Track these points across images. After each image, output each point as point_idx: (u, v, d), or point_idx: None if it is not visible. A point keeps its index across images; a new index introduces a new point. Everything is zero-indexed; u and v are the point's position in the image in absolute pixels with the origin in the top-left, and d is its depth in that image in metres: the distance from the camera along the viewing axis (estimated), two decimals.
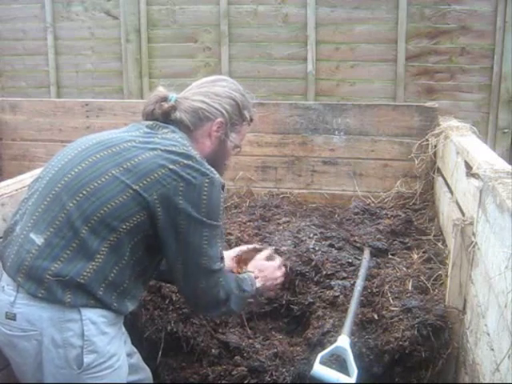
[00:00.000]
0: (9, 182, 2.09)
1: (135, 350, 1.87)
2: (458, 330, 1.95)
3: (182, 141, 1.64)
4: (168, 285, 2.19)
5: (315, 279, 2.32)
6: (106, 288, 1.50)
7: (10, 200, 1.90)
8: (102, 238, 1.49)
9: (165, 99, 1.73)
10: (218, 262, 1.63)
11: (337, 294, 2.21)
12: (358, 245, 2.59)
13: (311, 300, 2.25)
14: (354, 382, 1.76)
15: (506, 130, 4.05)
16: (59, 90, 4.78)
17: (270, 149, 3.40)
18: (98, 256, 1.49)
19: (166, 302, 2.19)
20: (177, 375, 2.13)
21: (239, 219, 2.87)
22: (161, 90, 1.77)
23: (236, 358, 2.09)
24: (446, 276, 2.11)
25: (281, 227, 2.77)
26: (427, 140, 3.10)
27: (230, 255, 2.01)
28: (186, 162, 1.55)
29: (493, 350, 1.47)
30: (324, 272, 2.33)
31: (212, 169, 1.60)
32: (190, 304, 1.83)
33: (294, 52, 4.32)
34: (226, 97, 1.75)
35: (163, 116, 1.70)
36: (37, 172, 1.85)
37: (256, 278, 1.86)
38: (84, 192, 1.51)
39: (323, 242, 2.54)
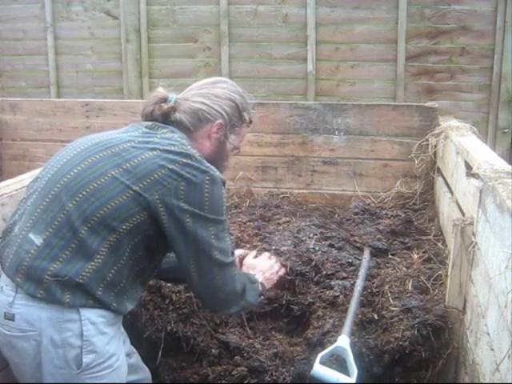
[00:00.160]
0: (9, 181, 2.09)
1: (134, 350, 1.87)
2: (457, 330, 1.95)
3: (181, 140, 1.63)
4: (168, 285, 2.19)
5: (315, 279, 2.32)
6: (104, 288, 1.50)
7: (10, 200, 1.90)
8: (102, 239, 1.49)
9: (164, 100, 1.73)
10: (230, 256, 1.64)
11: (337, 294, 2.22)
12: (358, 245, 2.59)
13: (311, 300, 2.26)
14: (353, 381, 1.76)
15: (506, 130, 4.04)
16: (59, 89, 4.78)
17: (270, 149, 3.40)
18: (98, 256, 1.48)
19: (166, 301, 2.19)
20: (177, 375, 2.13)
21: (239, 219, 2.87)
22: (160, 91, 1.77)
23: (236, 357, 2.09)
24: (446, 276, 2.11)
25: (281, 227, 2.77)
26: (427, 140, 3.10)
27: None
28: (185, 160, 1.55)
29: (493, 349, 1.47)
30: (324, 272, 2.33)
31: (212, 166, 1.60)
32: (208, 305, 1.71)
33: (293, 52, 4.32)
34: (225, 98, 1.75)
35: (163, 117, 1.70)
36: (36, 172, 1.85)
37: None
38: (84, 192, 1.51)
39: (323, 242, 2.54)
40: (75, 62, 4.72)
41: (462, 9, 4.03)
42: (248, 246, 2.52)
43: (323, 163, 3.36)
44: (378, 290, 2.19)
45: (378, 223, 2.82)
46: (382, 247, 2.57)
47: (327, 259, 2.38)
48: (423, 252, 2.49)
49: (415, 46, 4.13)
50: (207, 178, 1.55)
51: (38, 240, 1.49)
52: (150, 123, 1.70)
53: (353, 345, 1.92)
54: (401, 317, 1.99)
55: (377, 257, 2.51)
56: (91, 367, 1.50)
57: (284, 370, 2.01)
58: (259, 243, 2.54)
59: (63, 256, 1.47)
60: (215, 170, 1.60)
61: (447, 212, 2.53)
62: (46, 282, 1.45)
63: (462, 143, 2.39)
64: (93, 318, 1.49)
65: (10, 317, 1.48)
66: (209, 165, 1.59)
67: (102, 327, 1.51)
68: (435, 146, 3.05)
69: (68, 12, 4.68)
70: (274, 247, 2.46)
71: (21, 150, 3.83)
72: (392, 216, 2.89)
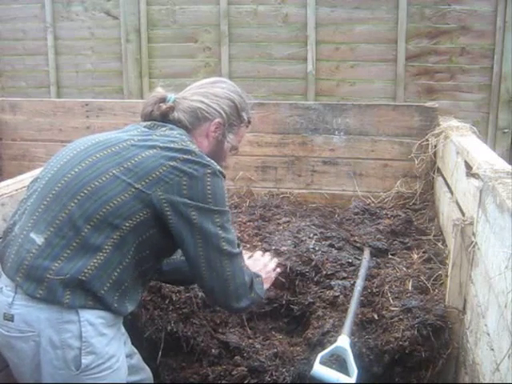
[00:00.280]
0: (9, 181, 2.09)
1: (135, 350, 1.87)
2: (458, 330, 1.95)
3: (181, 136, 1.64)
4: (168, 285, 2.19)
5: (315, 279, 2.32)
6: (110, 287, 1.50)
7: (10, 200, 1.90)
8: (106, 236, 1.49)
9: (163, 100, 1.73)
10: (237, 247, 1.64)
11: (337, 294, 2.21)
12: (358, 245, 2.59)
13: (311, 300, 2.25)
14: (353, 381, 1.76)
15: (506, 130, 4.04)
16: (59, 90, 4.78)
17: (270, 149, 3.40)
18: (101, 253, 1.48)
19: (166, 301, 2.19)
20: (177, 375, 2.13)
21: (239, 219, 2.87)
22: (159, 91, 1.77)
23: (236, 357, 2.09)
24: (446, 276, 2.11)
25: (281, 227, 2.77)
26: (427, 140, 3.10)
27: None
28: (185, 156, 1.56)
29: (493, 350, 1.47)
30: (324, 272, 2.33)
31: (212, 160, 1.60)
32: (219, 299, 1.66)
33: (293, 52, 4.32)
34: (224, 98, 1.75)
35: (162, 117, 1.71)
36: (36, 172, 1.85)
37: None
38: (85, 191, 1.51)
39: (323, 242, 2.54)
40: (75, 62, 4.72)
41: (462, 9, 4.03)
42: (248, 245, 2.52)
43: (323, 163, 3.36)
44: (377, 290, 2.19)
45: (378, 223, 2.82)
46: (382, 247, 2.57)
47: (327, 259, 2.38)
48: (423, 252, 2.49)
49: (415, 46, 4.13)
50: (208, 171, 1.56)
51: (39, 239, 1.49)
52: (149, 123, 1.71)
53: (353, 345, 1.92)
54: (401, 317, 1.99)
55: (377, 257, 2.51)
56: (90, 368, 1.50)
57: (284, 369, 2.01)
58: (259, 243, 2.54)
59: (64, 255, 1.47)
60: (215, 164, 1.61)
61: (447, 212, 2.53)
62: (46, 281, 1.45)
63: (462, 143, 2.39)
64: (92, 319, 1.49)
65: (9, 317, 1.48)
66: (209, 159, 1.60)
67: (102, 328, 1.51)
68: (435, 146, 3.05)
69: (68, 12, 4.68)
70: (273, 247, 2.46)
71: (21, 150, 3.83)
72: (392, 216, 2.89)
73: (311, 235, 2.59)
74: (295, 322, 2.32)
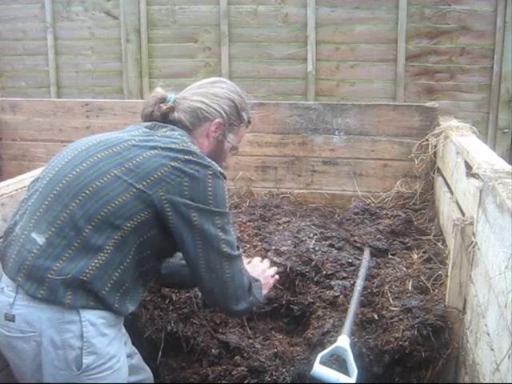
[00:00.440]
0: (9, 181, 2.09)
1: (136, 350, 1.87)
2: (458, 330, 1.95)
3: (182, 137, 1.64)
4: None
5: (315, 279, 2.32)
6: (111, 288, 1.50)
7: (10, 200, 1.90)
8: (107, 237, 1.49)
9: (163, 100, 1.73)
10: (237, 249, 1.64)
11: (337, 294, 2.22)
12: (358, 245, 2.59)
13: (311, 300, 2.26)
14: (353, 381, 1.76)
15: (506, 130, 4.04)
16: (59, 90, 4.78)
17: (270, 149, 3.40)
18: (102, 254, 1.48)
19: (166, 301, 2.19)
20: (177, 375, 2.13)
21: (239, 219, 2.87)
22: (159, 91, 1.77)
23: (236, 357, 2.09)
24: (446, 276, 2.11)
25: (281, 227, 2.77)
26: (427, 140, 3.11)
27: None
28: (187, 157, 1.56)
29: (493, 349, 1.47)
30: (324, 272, 2.33)
31: (213, 162, 1.60)
32: (218, 300, 1.66)
33: (293, 52, 4.32)
34: (224, 98, 1.76)
35: (162, 117, 1.71)
36: (37, 172, 1.85)
37: None
38: (86, 191, 1.51)
39: (323, 242, 2.54)
40: (75, 62, 4.72)
41: (462, 9, 4.03)
42: (248, 245, 2.52)
43: (323, 163, 3.36)
44: (377, 290, 2.19)
45: (378, 223, 2.82)
46: (382, 247, 2.57)
47: (327, 259, 2.38)
48: (423, 252, 2.49)
49: (415, 46, 4.13)
50: (209, 172, 1.56)
51: (40, 239, 1.49)
52: (149, 123, 1.71)
53: (353, 345, 1.92)
54: (401, 317, 1.99)
55: (377, 257, 2.51)
56: (91, 368, 1.50)
57: (284, 370, 2.01)
58: (259, 243, 2.54)
59: (66, 255, 1.47)
60: (216, 165, 1.61)
61: (447, 212, 2.53)
62: (48, 281, 1.45)
63: (462, 143, 2.39)
64: (93, 319, 1.49)
65: (11, 318, 1.48)
66: (210, 160, 1.60)
67: (103, 328, 1.51)
68: (435, 146, 3.05)
69: (68, 12, 4.68)
70: (273, 247, 2.46)
71: (21, 150, 3.83)
72: (392, 216, 2.89)
73: (311, 235, 2.59)
74: (295, 322, 2.32)
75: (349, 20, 4.20)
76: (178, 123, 1.70)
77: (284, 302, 2.31)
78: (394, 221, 2.81)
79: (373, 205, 3.17)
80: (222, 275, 1.60)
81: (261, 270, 1.95)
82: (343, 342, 1.88)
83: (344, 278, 2.30)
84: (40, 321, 1.46)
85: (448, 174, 2.68)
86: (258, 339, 2.20)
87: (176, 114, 1.71)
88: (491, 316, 1.52)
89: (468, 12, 4.02)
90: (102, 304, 1.50)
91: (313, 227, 2.71)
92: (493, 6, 3.95)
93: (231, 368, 2.07)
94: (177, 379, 2.13)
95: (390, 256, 2.52)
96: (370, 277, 2.28)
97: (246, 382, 2.02)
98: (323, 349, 1.92)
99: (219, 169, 1.60)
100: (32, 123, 3.77)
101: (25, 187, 1.90)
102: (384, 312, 2.06)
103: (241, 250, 1.69)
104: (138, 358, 1.87)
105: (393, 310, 2.03)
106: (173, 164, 1.53)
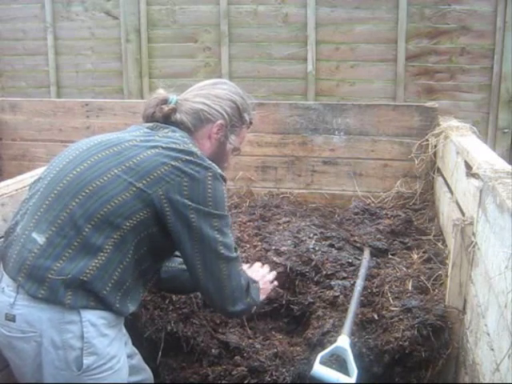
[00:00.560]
0: (9, 182, 2.09)
1: (136, 351, 1.87)
2: (457, 330, 1.95)
3: (183, 138, 1.65)
4: None
5: (315, 279, 2.32)
6: (112, 288, 1.50)
7: (10, 200, 1.90)
8: (106, 236, 1.49)
9: (165, 102, 1.74)
10: (234, 252, 1.64)
11: (337, 294, 2.22)
12: (358, 245, 2.59)
13: (311, 300, 2.26)
14: (353, 381, 1.76)
15: (506, 130, 4.04)
16: (59, 90, 4.78)
17: (270, 149, 3.40)
18: (101, 254, 1.48)
19: (166, 301, 2.19)
20: (177, 375, 2.13)
21: (239, 219, 2.87)
22: (160, 93, 1.78)
23: (236, 357, 2.09)
24: (446, 276, 2.11)
25: (281, 227, 2.77)
26: (427, 140, 3.11)
27: None
28: (187, 157, 1.56)
29: (493, 349, 1.47)
30: (324, 272, 2.33)
31: (213, 164, 1.61)
32: (215, 301, 1.66)
33: (293, 52, 4.32)
34: (226, 99, 1.76)
35: (164, 118, 1.71)
36: (37, 172, 1.86)
37: None
38: (86, 191, 1.51)
39: (323, 242, 2.54)
40: (75, 62, 4.72)
41: (462, 9, 4.03)
42: (248, 245, 2.52)
43: (323, 163, 3.36)
44: (377, 290, 2.19)
45: (378, 223, 2.82)
46: (382, 247, 2.57)
47: (327, 259, 2.38)
48: (423, 252, 2.49)
49: (415, 46, 4.13)
50: (209, 174, 1.56)
51: (40, 239, 1.49)
52: (151, 124, 1.71)
53: (353, 345, 1.92)
54: (401, 317, 1.99)
55: (377, 257, 2.51)
56: (92, 369, 1.50)
57: (284, 370, 2.01)
58: (259, 243, 2.54)
59: (66, 254, 1.47)
60: (216, 167, 1.61)
61: (447, 212, 2.53)
62: (48, 281, 1.45)
63: (462, 143, 2.39)
64: (93, 319, 1.49)
65: (11, 318, 1.48)
66: (210, 162, 1.61)
67: (103, 329, 1.51)
68: (435, 146, 3.05)
69: (68, 12, 4.68)
70: (273, 247, 2.46)
71: (21, 150, 3.83)
72: (392, 216, 2.89)
73: (311, 235, 2.59)
74: (295, 322, 2.32)
75: (349, 20, 4.20)
76: (179, 125, 1.71)
77: (284, 302, 2.31)
78: (394, 221, 2.82)
79: (373, 205, 3.17)
80: (219, 276, 1.60)
81: (260, 276, 1.95)
82: (343, 342, 1.88)
83: (344, 278, 2.30)
84: (40, 321, 1.46)
85: (448, 174, 2.68)
86: (258, 339, 2.20)
87: (178, 116, 1.71)
88: (491, 316, 1.52)
89: (468, 12, 4.01)
90: (102, 304, 1.50)
91: (313, 227, 2.71)
92: (493, 6, 3.95)
93: (231, 368, 2.07)
94: (177, 379, 2.13)
95: (390, 256, 2.52)
96: (370, 277, 2.28)
97: (245, 382, 2.02)
98: (323, 349, 1.92)
99: (219, 171, 1.61)
100: (32, 123, 3.77)
101: (25, 187, 1.90)
102: (384, 312, 2.06)
103: (239, 253, 1.68)
104: (138, 359, 1.87)
105: (393, 310, 2.03)
106: (173, 163, 1.54)
